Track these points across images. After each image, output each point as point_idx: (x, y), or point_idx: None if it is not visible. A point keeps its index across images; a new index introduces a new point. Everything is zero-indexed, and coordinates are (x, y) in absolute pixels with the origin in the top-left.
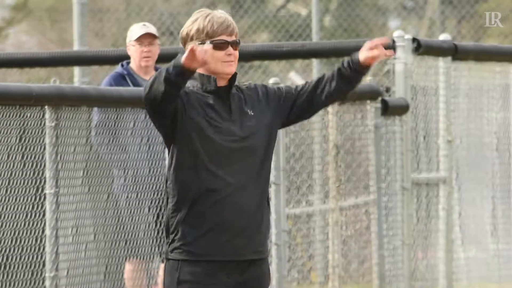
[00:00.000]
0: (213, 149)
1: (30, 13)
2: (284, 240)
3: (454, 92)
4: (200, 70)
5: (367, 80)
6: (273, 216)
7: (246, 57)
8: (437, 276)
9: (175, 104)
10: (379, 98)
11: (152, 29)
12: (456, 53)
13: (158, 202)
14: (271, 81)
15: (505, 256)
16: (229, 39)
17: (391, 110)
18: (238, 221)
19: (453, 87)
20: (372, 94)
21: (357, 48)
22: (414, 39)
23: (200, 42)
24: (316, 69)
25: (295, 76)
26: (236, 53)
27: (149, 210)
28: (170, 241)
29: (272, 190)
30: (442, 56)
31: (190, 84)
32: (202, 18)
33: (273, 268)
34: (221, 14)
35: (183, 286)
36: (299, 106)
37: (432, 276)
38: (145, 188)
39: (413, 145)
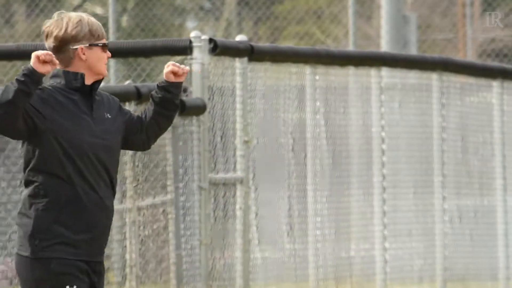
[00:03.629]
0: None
1: None
2: None
3: (251, 92)
4: (71, 68)
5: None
6: None
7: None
8: (234, 276)
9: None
10: None
11: None
12: (252, 54)
13: None
14: None
15: (301, 256)
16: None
17: (188, 110)
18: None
19: (249, 87)
20: None
21: (154, 48)
22: (210, 40)
23: (89, 44)
24: (113, 69)
25: None
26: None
27: None
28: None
29: None
30: (238, 57)
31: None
32: (86, 21)
33: None
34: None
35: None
36: (130, 129)
37: (230, 276)
38: None
39: (211, 145)
